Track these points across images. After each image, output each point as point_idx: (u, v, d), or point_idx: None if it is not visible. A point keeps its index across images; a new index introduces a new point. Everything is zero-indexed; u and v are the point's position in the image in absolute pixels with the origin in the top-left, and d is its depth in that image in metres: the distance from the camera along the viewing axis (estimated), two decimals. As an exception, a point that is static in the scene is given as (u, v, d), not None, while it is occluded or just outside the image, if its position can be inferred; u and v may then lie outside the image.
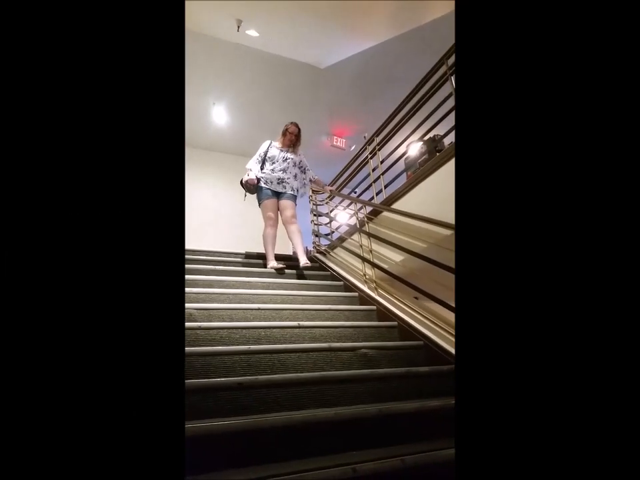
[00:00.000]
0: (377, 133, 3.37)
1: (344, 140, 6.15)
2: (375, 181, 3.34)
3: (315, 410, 1.29)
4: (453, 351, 1.76)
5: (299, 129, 3.10)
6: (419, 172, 2.72)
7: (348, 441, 1.15)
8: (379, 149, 3.33)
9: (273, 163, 2.96)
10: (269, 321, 1.96)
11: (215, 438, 1.05)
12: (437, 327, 1.94)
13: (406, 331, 2.03)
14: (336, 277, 2.97)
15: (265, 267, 2.84)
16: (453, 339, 1.81)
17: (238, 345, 1.67)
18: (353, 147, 6.08)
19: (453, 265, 1.84)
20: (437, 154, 2.77)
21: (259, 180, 2.92)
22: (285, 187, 2.96)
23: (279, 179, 2.94)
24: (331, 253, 3.45)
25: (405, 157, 3.38)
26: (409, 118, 3.00)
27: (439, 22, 3.82)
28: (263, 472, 0.96)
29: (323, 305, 2.25)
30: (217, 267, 2.65)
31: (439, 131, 2.91)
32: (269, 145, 3.06)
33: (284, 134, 3.06)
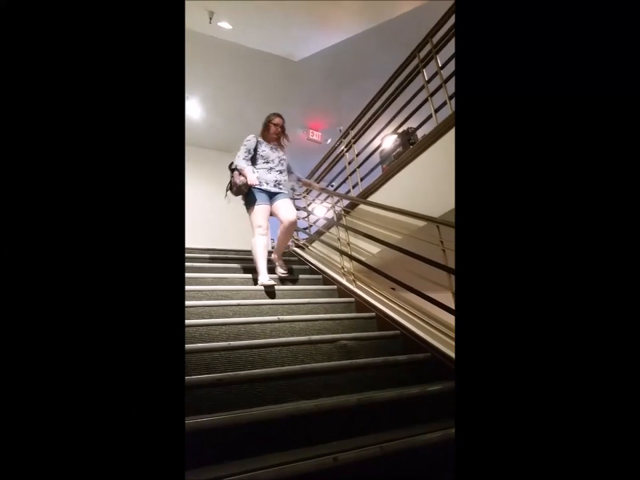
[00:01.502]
0: (352, 126, 3.39)
1: (319, 133, 6.14)
2: (351, 174, 3.36)
3: (296, 402, 1.31)
4: (428, 339, 1.82)
5: (283, 120, 2.70)
6: (393, 164, 2.76)
7: (329, 431, 1.18)
8: (354, 142, 3.35)
9: (268, 162, 2.58)
10: (249, 317, 1.96)
11: (196, 434, 1.05)
12: (413, 316, 1.99)
13: (383, 321, 2.08)
14: (315, 270, 2.99)
15: (255, 283, 2.42)
16: (429, 328, 1.87)
17: (217, 341, 1.67)
18: (328, 140, 6.07)
19: (426, 255, 1.90)
20: (411, 146, 2.81)
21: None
22: (281, 188, 2.60)
23: (276, 181, 2.57)
24: (310, 247, 3.47)
25: (379, 149, 3.42)
26: (383, 111, 3.03)
27: (411, 15, 3.85)
28: (245, 466, 0.97)
29: (302, 298, 2.27)
30: (194, 264, 2.62)
31: (412, 123, 2.95)
32: (257, 141, 2.62)
33: (266, 127, 2.65)
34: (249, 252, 3.30)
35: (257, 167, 2.57)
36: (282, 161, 2.65)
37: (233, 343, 1.58)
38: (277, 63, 4.53)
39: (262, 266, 2.40)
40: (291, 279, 2.65)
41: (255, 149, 2.59)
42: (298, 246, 3.72)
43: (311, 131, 6.06)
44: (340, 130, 5.37)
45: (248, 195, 2.51)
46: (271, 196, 2.54)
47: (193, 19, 3.82)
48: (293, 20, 3.96)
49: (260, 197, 2.48)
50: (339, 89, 5.10)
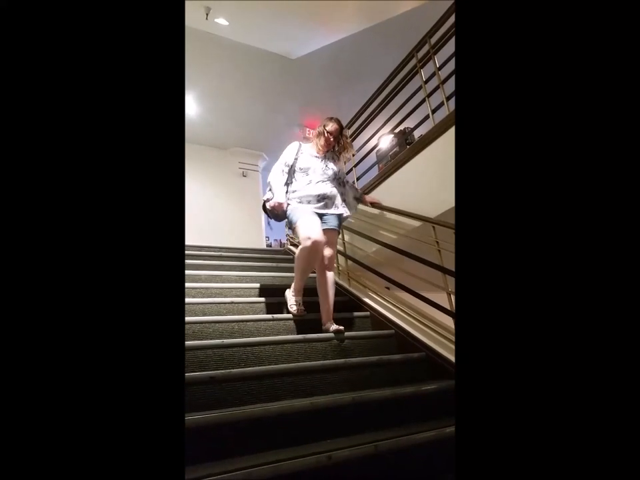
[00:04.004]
0: (349, 125, 3.39)
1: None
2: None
3: (291, 400, 1.31)
4: (423, 338, 1.82)
5: (341, 127, 2.18)
6: (390, 164, 2.76)
7: (323, 430, 1.18)
8: (351, 141, 3.34)
9: (308, 173, 2.04)
10: (243, 315, 1.95)
11: (189, 432, 1.04)
12: (407, 315, 1.99)
13: (378, 320, 2.08)
14: (309, 269, 2.97)
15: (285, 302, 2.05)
16: (423, 327, 1.87)
17: (211, 339, 1.66)
18: (325, 139, 6.06)
19: (421, 255, 1.90)
20: (408, 146, 2.81)
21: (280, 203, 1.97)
22: (327, 206, 2.03)
23: (319, 196, 2.00)
24: (304, 245, 3.45)
25: (376, 149, 3.42)
26: (380, 110, 3.03)
27: (409, 15, 3.85)
28: (240, 463, 0.96)
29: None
30: (189, 261, 2.60)
31: (410, 123, 2.95)
32: (298, 149, 2.13)
33: (320, 134, 2.14)
34: (243, 250, 3.31)
35: (297, 183, 2.05)
36: (326, 171, 2.08)
37: (226, 341, 1.57)
38: (274, 60, 4.51)
39: (299, 284, 1.99)
40: (286, 277, 2.55)
41: (295, 161, 2.10)
42: (293, 244, 3.71)
43: (307, 129, 6.04)
44: (336, 129, 5.35)
45: (289, 215, 1.99)
46: (319, 216, 1.98)
47: (190, 15, 3.78)
48: (290, 17, 3.94)
49: (305, 210, 1.95)
50: (336, 87, 5.09)
